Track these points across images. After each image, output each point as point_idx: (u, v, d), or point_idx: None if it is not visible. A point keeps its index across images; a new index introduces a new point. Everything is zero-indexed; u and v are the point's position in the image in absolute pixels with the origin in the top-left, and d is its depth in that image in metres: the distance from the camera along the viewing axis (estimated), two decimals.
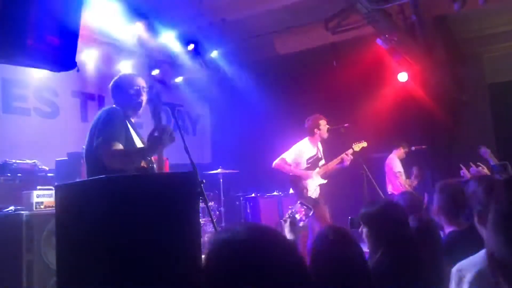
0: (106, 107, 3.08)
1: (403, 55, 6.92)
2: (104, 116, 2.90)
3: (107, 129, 2.80)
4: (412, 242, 2.23)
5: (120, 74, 3.37)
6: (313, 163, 5.76)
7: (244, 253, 1.05)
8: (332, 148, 6.07)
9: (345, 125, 5.77)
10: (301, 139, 5.93)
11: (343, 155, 5.64)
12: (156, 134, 2.73)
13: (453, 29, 7.82)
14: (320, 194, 5.72)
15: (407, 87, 7.49)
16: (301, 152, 5.79)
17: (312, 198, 5.56)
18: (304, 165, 5.75)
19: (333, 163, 5.72)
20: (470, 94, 8.14)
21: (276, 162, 5.85)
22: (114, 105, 3.16)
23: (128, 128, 2.98)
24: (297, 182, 5.64)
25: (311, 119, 5.83)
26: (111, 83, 3.24)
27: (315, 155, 5.81)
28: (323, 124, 5.77)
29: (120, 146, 2.78)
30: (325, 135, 5.77)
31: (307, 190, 5.56)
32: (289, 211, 2.93)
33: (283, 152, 5.94)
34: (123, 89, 3.14)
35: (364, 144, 5.78)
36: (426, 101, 7.47)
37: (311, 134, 5.81)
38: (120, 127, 2.88)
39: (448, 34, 7.73)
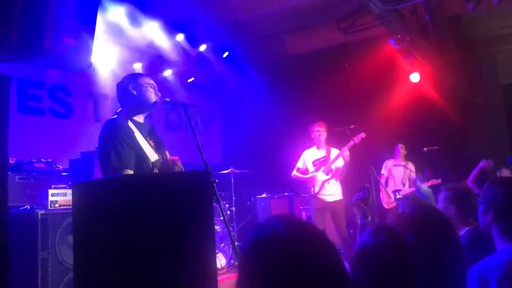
0: (109, 121, 2.95)
1: (416, 56, 6.89)
2: (107, 137, 2.85)
3: (112, 156, 2.76)
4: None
5: (130, 73, 3.27)
6: (319, 165, 5.99)
7: (287, 250, 1.03)
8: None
9: (351, 126, 5.84)
10: (310, 140, 6.19)
11: (341, 151, 5.85)
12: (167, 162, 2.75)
13: (466, 30, 7.77)
14: (338, 201, 5.87)
15: (419, 88, 7.46)
16: (306, 158, 6.13)
17: (325, 201, 5.82)
18: (311, 168, 6.02)
19: (333, 159, 5.93)
20: (483, 95, 8.08)
21: (293, 173, 6.20)
22: (117, 112, 3.07)
23: (134, 139, 2.90)
24: (306, 184, 6.03)
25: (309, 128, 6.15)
26: (119, 83, 3.14)
27: (322, 157, 6.01)
28: (318, 129, 6.01)
29: (129, 172, 2.74)
30: (322, 137, 5.99)
31: (313, 188, 5.91)
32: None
33: (294, 152, 6.14)
34: (135, 89, 3.05)
35: (362, 135, 5.90)
36: (439, 102, 7.43)
37: (312, 140, 6.14)
38: (127, 147, 2.81)
39: (461, 34, 7.68)
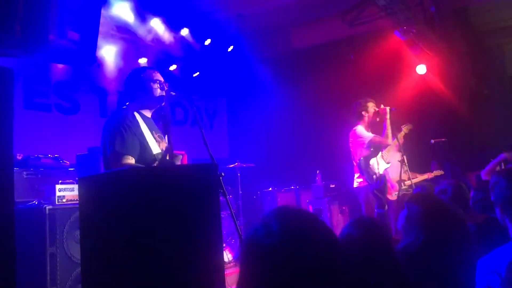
0: (115, 111, 3.04)
1: (422, 47, 6.83)
2: (113, 124, 2.87)
3: (116, 141, 2.78)
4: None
5: (136, 67, 3.32)
6: (375, 148, 5.38)
7: (278, 257, 1.03)
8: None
9: (393, 108, 5.41)
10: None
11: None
12: (167, 158, 2.77)
13: (473, 21, 7.68)
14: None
15: (425, 80, 7.41)
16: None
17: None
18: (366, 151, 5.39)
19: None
20: (490, 86, 8.00)
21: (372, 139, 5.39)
22: (126, 104, 3.12)
23: (139, 129, 2.93)
24: (363, 167, 5.29)
25: (358, 103, 5.54)
26: (127, 76, 3.17)
27: None
28: (371, 106, 5.48)
29: (130, 160, 2.75)
30: (372, 117, 5.44)
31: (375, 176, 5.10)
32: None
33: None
34: (142, 84, 3.08)
35: (410, 126, 5.56)
36: (445, 94, 7.37)
37: (360, 118, 5.50)
38: (130, 134, 2.83)
39: (468, 25, 7.60)
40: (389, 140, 5.28)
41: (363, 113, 5.47)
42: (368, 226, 1.83)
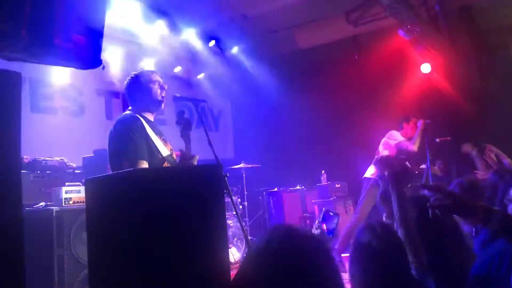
0: (120, 117, 3.01)
1: (426, 46, 6.81)
2: (121, 130, 2.87)
3: (129, 148, 2.78)
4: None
5: (136, 71, 3.24)
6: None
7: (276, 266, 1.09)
8: None
9: (427, 121, 5.89)
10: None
11: None
12: (184, 160, 2.84)
13: (478, 19, 7.64)
14: None
15: (430, 79, 7.39)
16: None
17: None
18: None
19: None
20: (496, 85, 7.95)
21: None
22: (129, 108, 3.12)
23: (146, 132, 2.93)
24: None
25: (404, 116, 6.11)
26: (127, 81, 3.16)
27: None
28: (413, 120, 5.99)
29: (144, 165, 2.76)
30: (410, 128, 5.95)
31: None
32: (316, 222, 2.79)
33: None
34: (141, 87, 3.08)
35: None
36: (450, 93, 7.34)
37: (399, 128, 6.06)
38: (140, 139, 2.84)
39: (473, 23, 7.56)
40: (415, 147, 5.71)
41: (404, 124, 6.05)
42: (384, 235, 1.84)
